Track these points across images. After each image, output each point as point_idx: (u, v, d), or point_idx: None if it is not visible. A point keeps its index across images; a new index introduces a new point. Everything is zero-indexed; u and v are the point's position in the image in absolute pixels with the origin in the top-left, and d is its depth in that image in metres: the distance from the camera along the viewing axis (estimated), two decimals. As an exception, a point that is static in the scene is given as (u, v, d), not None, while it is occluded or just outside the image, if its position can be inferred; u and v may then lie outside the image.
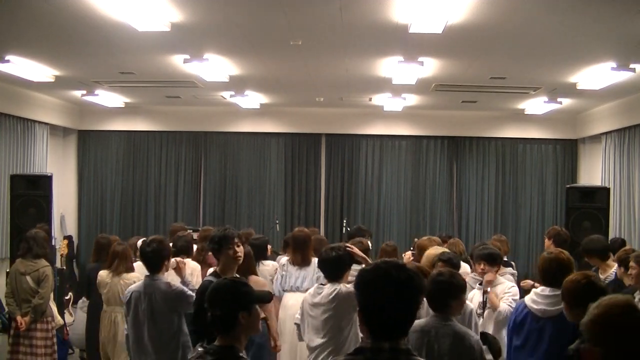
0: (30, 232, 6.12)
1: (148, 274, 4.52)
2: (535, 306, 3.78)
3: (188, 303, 4.33)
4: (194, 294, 4.31)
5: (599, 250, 5.66)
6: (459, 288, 3.49)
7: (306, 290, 5.93)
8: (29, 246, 5.93)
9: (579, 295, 3.18)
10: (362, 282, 2.15)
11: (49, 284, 5.86)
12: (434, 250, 4.91)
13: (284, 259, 6.20)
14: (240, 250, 4.11)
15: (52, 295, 6.11)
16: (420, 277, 2.21)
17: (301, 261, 6.03)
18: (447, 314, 3.40)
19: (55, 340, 5.99)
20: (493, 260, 4.96)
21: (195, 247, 6.47)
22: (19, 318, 5.79)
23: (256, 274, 5.49)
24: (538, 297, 3.82)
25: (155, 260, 4.46)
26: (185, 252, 6.31)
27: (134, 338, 4.46)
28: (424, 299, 3.30)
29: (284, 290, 6.01)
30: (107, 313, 5.64)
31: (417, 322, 3.24)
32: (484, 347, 3.52)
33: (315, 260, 6.10)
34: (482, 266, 4.93)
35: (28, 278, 5.81)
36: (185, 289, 4.52)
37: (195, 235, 7.69)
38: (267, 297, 3.25)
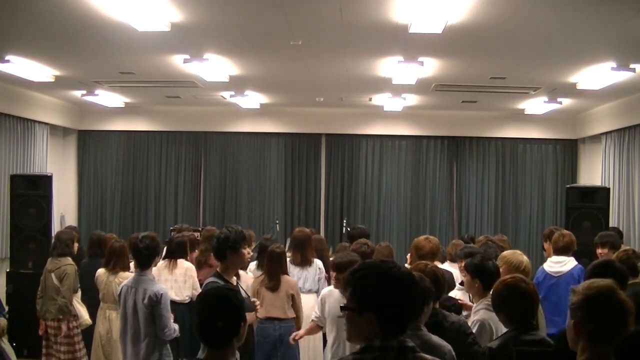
0: (58, 232, 6.45)
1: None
2: (550, 269, 5.66)
3: (163, 332, 4.42)
4: (172, 330, 4.42)
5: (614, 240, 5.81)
6: (428, 292, 3.25)
7: (308, 290, 5.95)
8: (54, 245, 6.14)
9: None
10: (362, 282, 2.15)
11: (68, 282, 5.96)
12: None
13: None
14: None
15: (78, 294, 6.21)
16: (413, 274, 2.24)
17: (301, 261, 6.05)
18: (418, 322, 3.08)
19: (78, 339, 6.05)
20: None
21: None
22: (42, 322, 6.00)
23: (287, 274, 5.60)
24: (552, 263, 5.69)
25: (146, 256, 4.55)
26: (179, 253, 6.33)
27: (121, 331, 4.60)
28: None
29: None
30: (103, 310, 5.68)
31: None
32: None
33: (316, 260, 6.11)
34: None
35: (53, 275, 5.98)
36: (170, 320, 4.50)
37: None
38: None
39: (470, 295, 4.36)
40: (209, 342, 2.52)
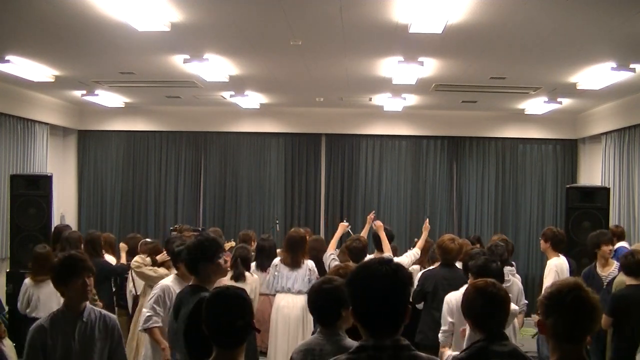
0: (65, 234, 6.37)
1: None
2: None
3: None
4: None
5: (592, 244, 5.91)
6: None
7: (298, 291, 5.92)
8: (63, 247, 6.02)
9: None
10: (352, 282, 2.17)
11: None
12: None
13: (277, 259, 6.19)
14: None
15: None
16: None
17: (291, 262, 6.02)
18: (335, 327, 2.95)
19: None
20: None
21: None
22: None
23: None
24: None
25: None
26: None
27: None
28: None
29: (276, 291, 6.00)
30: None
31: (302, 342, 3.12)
32: None
33: (307, 262, 6.09)
34: None
35: None
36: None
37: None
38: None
39: None
40: (228, 342, 2.43)
